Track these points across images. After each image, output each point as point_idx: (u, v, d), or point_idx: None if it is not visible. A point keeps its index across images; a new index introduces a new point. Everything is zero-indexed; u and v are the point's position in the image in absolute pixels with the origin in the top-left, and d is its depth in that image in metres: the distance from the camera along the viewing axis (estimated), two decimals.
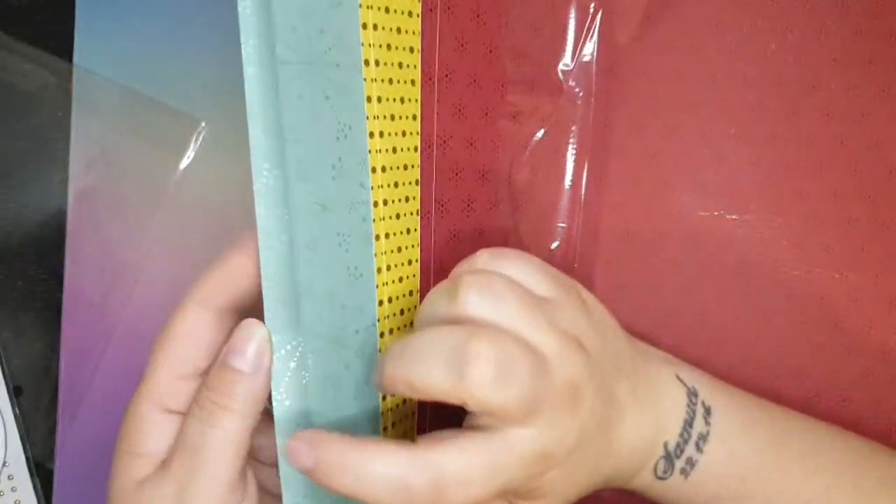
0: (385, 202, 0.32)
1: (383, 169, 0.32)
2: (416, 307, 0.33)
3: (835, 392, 0.38)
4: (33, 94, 0.39)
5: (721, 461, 0.30)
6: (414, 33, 0.33)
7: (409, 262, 0.33)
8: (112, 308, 0.40)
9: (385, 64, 0.32)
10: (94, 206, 0.39)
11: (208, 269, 0.28)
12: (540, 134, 0.37)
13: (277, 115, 0.29)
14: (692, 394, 0.31)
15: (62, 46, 0.38)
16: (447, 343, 0.26)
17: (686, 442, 0.30)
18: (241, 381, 0.27)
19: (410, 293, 0.34)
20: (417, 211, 0.33)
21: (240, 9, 0.28)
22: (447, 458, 0.25)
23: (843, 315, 0.38)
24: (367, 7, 0.31)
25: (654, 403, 0.30)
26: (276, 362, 0.28)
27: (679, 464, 0.30)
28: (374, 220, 0.31)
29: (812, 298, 0.38)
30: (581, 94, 0.36)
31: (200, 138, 0.39)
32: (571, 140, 0.37)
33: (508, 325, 0.27)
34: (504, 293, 0.27)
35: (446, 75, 0.35)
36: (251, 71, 0.28)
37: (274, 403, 0.29)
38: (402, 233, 0.33)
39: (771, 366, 0.38)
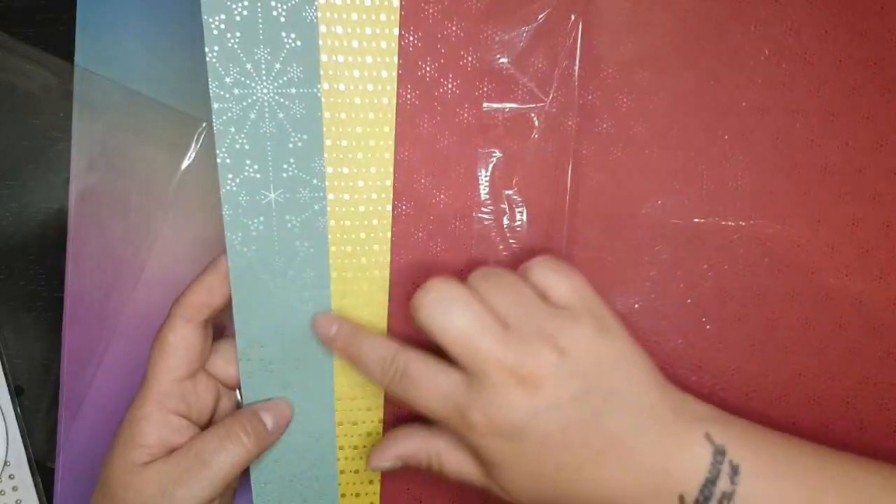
0: None
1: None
2: None
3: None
4: (34, 94, 0.39)
5: None
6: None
7: None
8: (113, 308, 0.40)
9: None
10: (96, 206, 0.39)
11: (188, 288, 0.35)
12: (523, 145, 0.36)
13: None
14: (719, 452, 0.31)
15: (63, 47, 0.38)
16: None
17: (708, 499, 0.30)
18: (261, 432, 0.35)
19: None
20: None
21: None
22: (416, 355, 0.32)
23: (846, 317, 0.38)
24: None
25: (670, 454, 0.31)
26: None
27: None
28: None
29: (817, 300, 0.37)
30: (563, 103, 0.36)
31: (200, 138, 0.39)
32: (554, 150, 0.36)
33: (489, 293, 0.31)
34: (502, 273, 0.32)
35: (424, 81, 0.35)
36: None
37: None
38: None
39: (774, 368, 0.38)
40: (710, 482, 0.30)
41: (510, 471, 0.31)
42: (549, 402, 0.30)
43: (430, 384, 0.31)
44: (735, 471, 0.30)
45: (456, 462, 0.33)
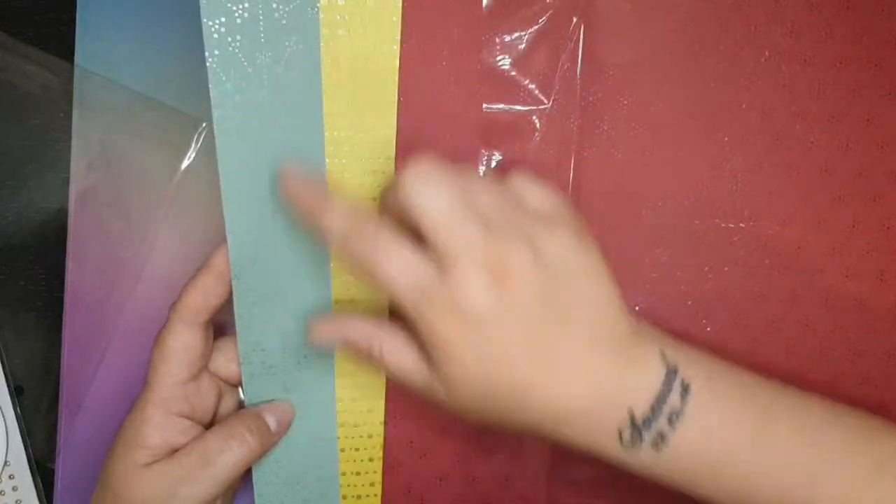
0: None
1: None
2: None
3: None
4: (34, 94, 0.39)
5: (696, 440, 0.30)
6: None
7: None
8: (113, 308, 0.40)
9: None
10: (96, 205, 0.39)
11: (184, 291, 0.35)
12: (525, 147, 0.36)
13: None
14: (671, 371, 0.30)
15: (63, 47, 0.38)
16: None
17: (656, 416, 0.30)
18: (265, 432, 0.35)
19: None
20: None
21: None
22: (391, 227, 0.30)
23: (846, 319, 0.38)
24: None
25: (624, 369, 0.30)
26: None
27: (649, 436, 0.30)
28: None
29: (817, 301, 0.38)
30: (565, 105, 0.36)
31: (200, 138, 0.39)
32: (556, 153, 0.36)
33: (472, 188, 0.30)
34: (476, 177, 0.31)
35: (423, 85, 0.35)
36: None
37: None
38: None
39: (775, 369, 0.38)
40: (661, 399, 0.30)
41: (462, 363, 0.30)
42: (515, 298, 0.29)
43: (402, 261, 0.30)
44: (686, 389, 0.30)
45: (400, 356, 0.32)
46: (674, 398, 0.30)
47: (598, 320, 0.31)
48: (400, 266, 0.30)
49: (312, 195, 0.32)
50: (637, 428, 0.30)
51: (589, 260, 0.31)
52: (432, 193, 0.29)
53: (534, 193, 0.31)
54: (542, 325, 0.30)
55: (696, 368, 0.31)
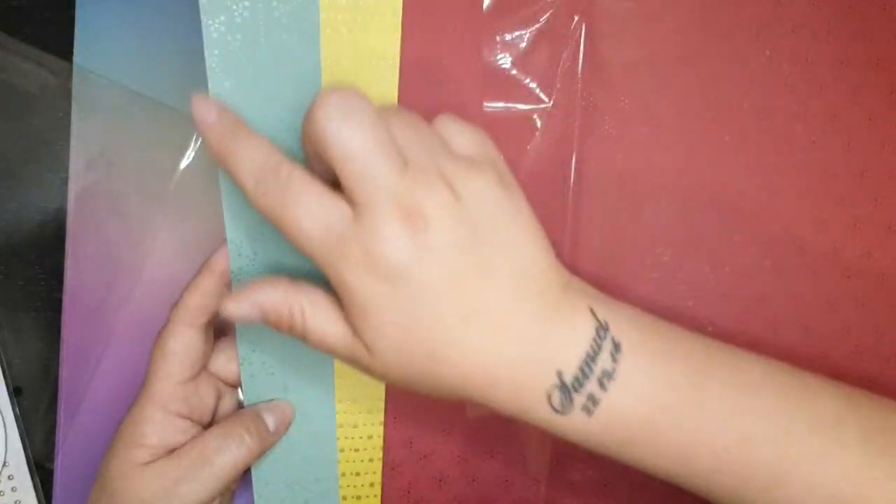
0: None
1: None
2: None
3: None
4: (33, 94, 0.39)
5: (628, 401, 0.28)
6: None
7: None
8: (112, 308, 0.40)
9: None
10: (95, 206, 0.39)
11: (185, 292, 0.35)
12: (526, 146, 0.36)
13: None
14: (601, 328, 0.28)
15: (62, 46, 0.38)
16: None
17: (586, 377, 0.28)
18: (263, 432, 0.35)
19: None
20: None
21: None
22: (303, 170, 0.28)
23: (848, 320, 0.38)
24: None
25: (552, 326, 0.28)
26: None
27: (579, 399, 0.28)
28: None
29: (819, 302, 0.38)
30: (566, 105, 0.36)
31: (200, 138, 0.39)
32: (557, 152, 0.36)
33: (393, 124, 0.28)
34: (410, 112, 0.29)
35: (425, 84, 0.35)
36: None
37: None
38: None
39: None
40: (591, 358, 0.28)
41: (380, 322, 0.27)
42: (434, 245, 0.27)
43: (313, 205, 0.27)
44: (617, 348, 0.28)
45: (321, 320, 0.29)
46: (604, 358, 0.28)
47: (524, 271, 0.28)
48: (311, 212, 0.27)
49: (226, 128, 0.29)
50: (567, 390, 0.28)
51: (514, 203, 0.29)
52: (345, 125, 0.26)
53: (459, 135, 0.29)
54: (463, 276, 0.27)
55: (628, 326, 0.29)
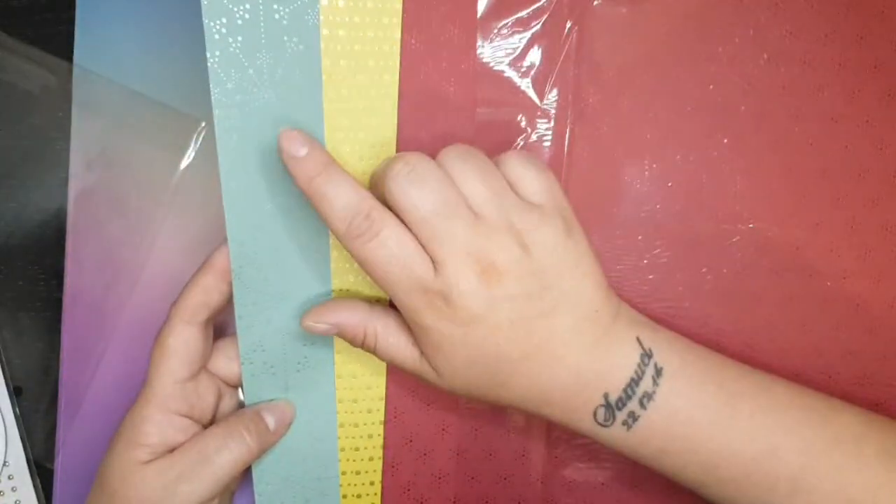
0: None
1: None
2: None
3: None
4: (33, 94, 0.39)
5: (664, 419, 0.32)
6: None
7: None
8: (112, 308, 0.40)
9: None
10: (95, 205, 0.39)
11: (185, 290, 0.35)
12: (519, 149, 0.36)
13: None
14: (646, 355, 0.32)
15: (62, 46, 0.38)
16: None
17: (629, 398, 0.32)
18: (263, 431, 0.36)
19: None
20: None
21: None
22: (395, 220, 0.30)
23: (844, 320, 0.38)
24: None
25: (603, 355, 0.32)
26: None
27: (621, 416, 0.32)
28: None
29: (815, 302, 0.38)
30: (559, 108, 0.36)
31: (200, 138, 0.39)
32: (550, 154, 0.36)
33: (462, 178, 0.30)
34: (478, 156, 0.31)
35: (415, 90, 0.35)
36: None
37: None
38: None
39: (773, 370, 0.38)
40: (634, 382, 0.32)
41: (451, 356, 0.31)
42: (505, 295, 0.30)
43: (402, 256, 0.30)
44: (659, 373, 0.32)
45: (392, 344, 0.33)
46: (646, 382, 0.32)
47: (582, 310, 0.32)
48: (399, 262, 0.30)
49: (317, 166, 0.31)
50: (611, 408, 0.32)
51: (577, 249, 0.31)
52: (421, 192, 0.29)
53: (527, 178, 0.31)
54: (528, 318, 0.31)
55: (670, 353, 0.33)
